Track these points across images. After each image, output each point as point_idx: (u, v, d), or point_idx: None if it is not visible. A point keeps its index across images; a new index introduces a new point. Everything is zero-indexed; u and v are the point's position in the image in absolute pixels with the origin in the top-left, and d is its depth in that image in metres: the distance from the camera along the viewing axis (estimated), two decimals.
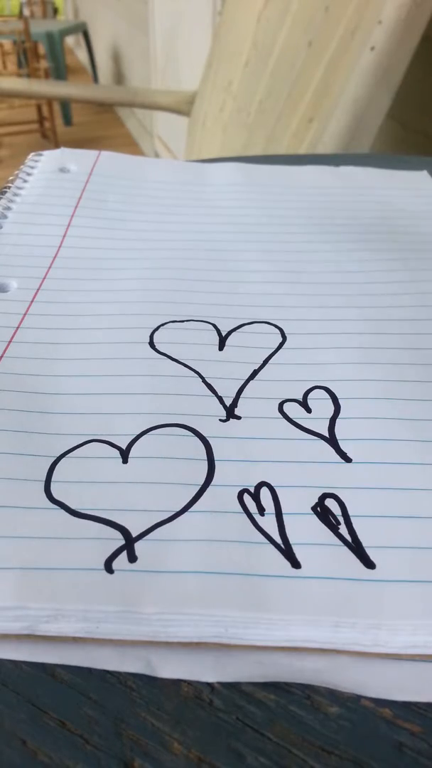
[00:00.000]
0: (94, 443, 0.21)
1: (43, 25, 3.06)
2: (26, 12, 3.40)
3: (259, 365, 0.25)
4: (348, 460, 0.20)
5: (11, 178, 0.39)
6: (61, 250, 0.32)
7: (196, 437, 0.21)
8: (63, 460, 0.20)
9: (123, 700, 0.16)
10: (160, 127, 2.21)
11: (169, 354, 0.25)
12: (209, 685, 0.16)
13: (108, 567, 0.17)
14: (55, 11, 4.48)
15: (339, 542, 0.18)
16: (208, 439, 0.21)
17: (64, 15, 4.73)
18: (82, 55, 4.10)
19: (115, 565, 0.17)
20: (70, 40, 4.62)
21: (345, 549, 0.17)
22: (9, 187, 0.38)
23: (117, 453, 0.21)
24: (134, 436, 0.21)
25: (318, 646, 0.16)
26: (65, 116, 3.12)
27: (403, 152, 0.93)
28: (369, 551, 0.17)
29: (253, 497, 0.19)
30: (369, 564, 0.17)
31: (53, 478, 0.20)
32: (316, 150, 0.78)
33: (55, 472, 0.20)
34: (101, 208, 0.36)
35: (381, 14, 0.69)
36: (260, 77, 0.92)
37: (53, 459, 0.20)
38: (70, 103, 3.07)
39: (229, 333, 0.26)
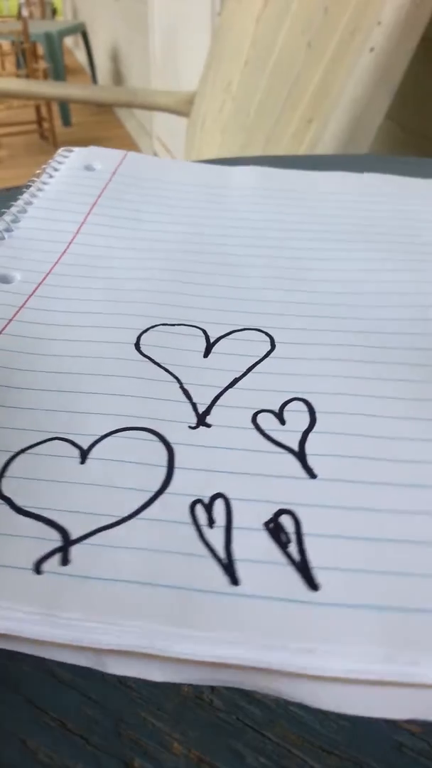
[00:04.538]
0: (56, 441, 0.21)
1: (41, 26, 3.06)
2: (25, 12, 3.40)
3: (241, 373, 0.24)
4: (313, 476, 0.20)
5: (38, 172, 0.39)
6: (72, 247, 0.32)
7: (160, 443, 0.21)
8: (21, 456, 0.20)
9: (123, 700, 0.16)
10: (159, 127, 2.21)
11: (152, 357, 0.25)
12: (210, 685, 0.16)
13: (37, 567, 0.17)
14: (54, 12, 4.48)
15: (285, 561, 0.17)
16: (172, 445, 0.21)
17: (62, 15, 4.73)
18: (80, 56, 4.10)
19: (46, 566, 0.17)
20: (68, 41, 4.62)
21: (290, 569, 0.17)
22: (34, 182, 0.38)
23: (77, 453, 0.20)
24: (98, 437, 0.21)
25: (247, 665, 0.15)
26: (64, 117, 3.12)
27: (402, 153, 0.93)
28: (316, 572, 0.17)
29: (206, 508, 0.18)
30: (313, 585, 0.16)
31: (7, 473, 0.19)
32: (315, 150, 0.78)
33: (10, 467, 0.20)
34: (118, 208, 0.36)
35: (380, 15, 0.69)
36: (259, 78, 0.92)
37: (11, 454, 0.20)
38: (69, 104, 3.07)
39: (218, 339, 0.26)
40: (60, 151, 0.43)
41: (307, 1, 0.82)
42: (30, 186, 0.37)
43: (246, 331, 0.26)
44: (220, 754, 0.15)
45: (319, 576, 0.17)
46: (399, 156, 0.48)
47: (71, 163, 0.41)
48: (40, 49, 2.93)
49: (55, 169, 0.40)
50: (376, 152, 0.93)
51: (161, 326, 0.27)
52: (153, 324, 0.27)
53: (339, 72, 0.75)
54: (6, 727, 0.15)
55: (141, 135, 2.65)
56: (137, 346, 0.25)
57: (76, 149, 0.43)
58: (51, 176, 0.39)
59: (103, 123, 3.15)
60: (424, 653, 0.15)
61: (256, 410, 0.22)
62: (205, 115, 1.11)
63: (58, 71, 2.95)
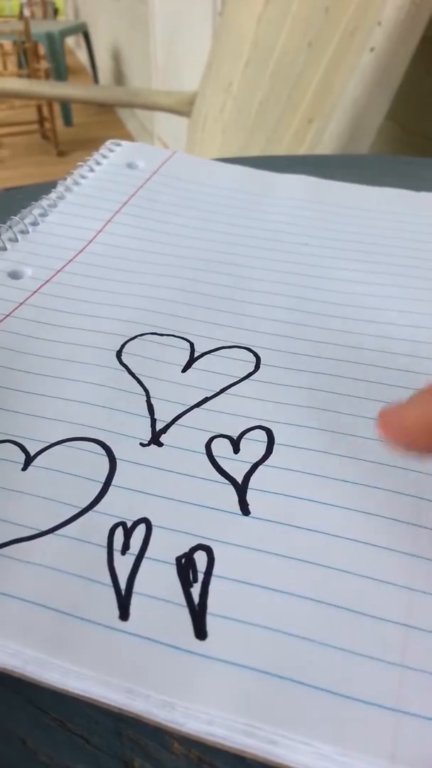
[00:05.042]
0: (7, 444, 0.21)
1: (43, 26, 3.06)
2: (26, 12, 3.40)
3: (213, 393, 0.23)
4: (246, 512, 0.19)
5: (80, 163, 0.39)
6: (91, 245, 0.32)
7: (106, 457, 0.20)
8: None
9: None
10: (160, 127, 2.21)
11: (129, 366, 0.24)
12: None
13: None
14: (56, 12, 4.48)
15: (183, 603, 0.16)
16: (117, 461, 0.20)
17: (64, 15, 4.73)
18: (82, 56, 4.10)
19: None
20: (70, 41, 4.62)
21: (185, 611, 0.16)
22: (71, 173, 0.38)
23: (23, 458, 0.20)
24: (47, 444, 0.21)
25: (115, 705, 0.15)
26: (65, 117, 3.12)
27: (402, 153, 0.93)
28: (210, 619, 0.16)
29: (125, 532, 0.18)
30: (201, 634, 0.16)
31: None
32: (315, 150, 0.78)
33: None
34: (149, 209, 0.36)
35: (380, 15, 0.69)
36: (260, 78, 0.92)
37: None
38: (71, 104, 3.06)
39: (202, 355, 0.25)
40: (107, 143, 0.42)
41: (308, 2, 0.82)
42: (65, 178, 0.37)
43: (235, 349, 0.25)
44: (220, 754, 0.15)
45: (211, 624, 0.16)
46: (400, 156, 0.48)
47: (114, 159, 0.40)
48: (42, 49, 2.93)
49: (98, 163, 0.39)
50: (377, 152, 0.93)
51: (149, 335, 0.26)
52: (143, 332, 0.26)
53: (339, 72, 0.75)
54: (6, 727, 0.15)
55: (142, 135, 2.65)
56: (119, 353, 0.25)
57: (124, 143, 0.42)
58: (92, 170, 0.39)
59: (104, 123, 3.15)
60: (283, 731, 0.14)
61: (214, 434, 0.21)
62: (206, 116, 1.11)
63: (60, 71, 2.95)
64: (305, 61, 0.82)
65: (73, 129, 3.11)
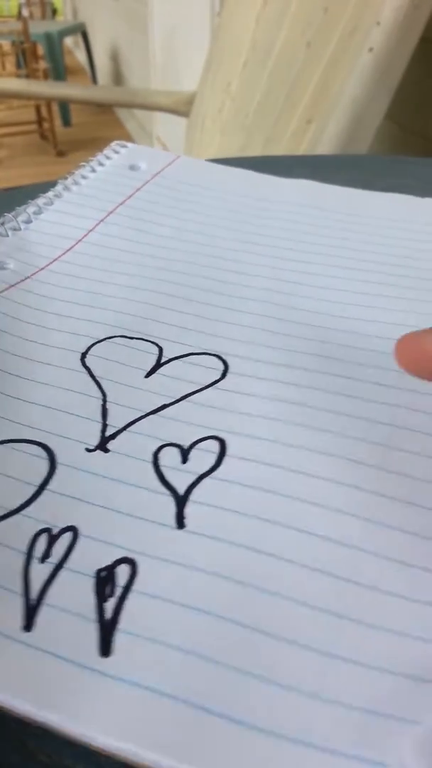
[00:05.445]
0: None
1: (41, 26, 3.07)
2: (25, 13, 3.40)
3: (173, 400, 0.22)
4: (181, 525, 0.18)
5: (82, 163, 0.39)
6: (79, 245, 0.31)
7: (47, 461, 0.20)
8: None
9: None
10: (159, 127, 2.21)
11: (92, 369, 0.23)
12: None
13: None
14: (54, 12, 4.49)
15: (94, 617, 0.15)
16: (58, 465, 0.19)
17: (62, 16, 4.73)
18: (80, 56, 4.10)
19: None
20: (68, 41, 4.62)
21: (93, 626, 0.15)
22: (73, 173, 0.38)
23: None
24: None
25: (21, 714, 0.14)
26: (64, 117, 3.12)
27: (401, 153, 0.93)
28: (119, 636, 0.15)
29: (49, 540, 0.17)
30: (105, 651, 0.15)
31: None
32: (314, 151, 0.78)
33: None
34: (145, 210, 0.35)
35: (379, 15, 0.69)
36: (259, 78, 0.93)
37: None
38: (69, 104, 3.07)
39: (169, 360, 0.24)
40: (112, 144, 0.42)
41: (307, 2, 0.82)
42: (66, 177, 0.37)
43: (203, 356, 0.24)
44: None
45: (120, 641, 0.15)
46: (399, 156, 0.48)
47: (118, 160, 0.40)
48: (41, 49, 2.93)
49: (101, 164, 0.39)
50: (376, 152, 0.93)
51: (118, 338, 0.25)
52: (113, 334, 0.25)
53: (338, 72, 0.75)
54: (6, 727, 0.15)
55: (141, 135, 2.65)
56: (83, 355, 0.24)
57: (130, 145, 0.42)
58: (94, 170, 0.39)
59: (103, 123, 3.15)
60: (176, 760, 0.13)
61: (164, 442, 0.20)
62: (205, 116, 1.11)
63: (59, 71, 2.95)
64: (304, 62, 0.82)
65: (71, 129, 3.11)
